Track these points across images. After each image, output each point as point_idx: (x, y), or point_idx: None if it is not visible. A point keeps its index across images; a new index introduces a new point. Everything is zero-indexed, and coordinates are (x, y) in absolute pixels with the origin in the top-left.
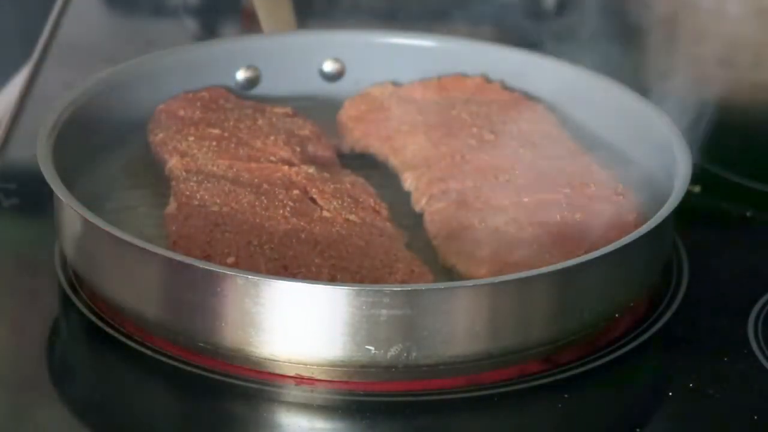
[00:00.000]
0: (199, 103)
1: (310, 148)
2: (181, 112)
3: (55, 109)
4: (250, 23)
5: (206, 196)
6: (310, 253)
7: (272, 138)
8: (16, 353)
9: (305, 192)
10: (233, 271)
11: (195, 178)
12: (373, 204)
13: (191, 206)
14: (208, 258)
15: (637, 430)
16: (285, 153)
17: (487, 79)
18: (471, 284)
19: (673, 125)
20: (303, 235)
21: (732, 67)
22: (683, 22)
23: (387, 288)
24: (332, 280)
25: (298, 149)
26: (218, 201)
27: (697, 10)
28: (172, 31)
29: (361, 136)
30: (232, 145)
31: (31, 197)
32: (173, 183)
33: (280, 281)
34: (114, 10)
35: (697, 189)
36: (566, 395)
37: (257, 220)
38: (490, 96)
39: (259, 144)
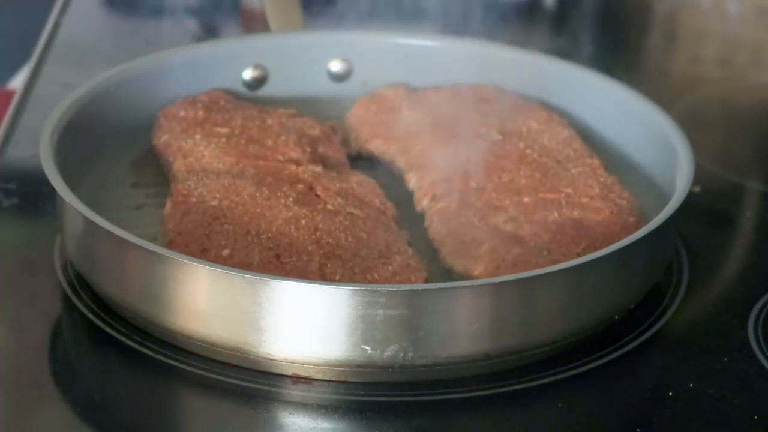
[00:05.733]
0: (200, 105)
1: (321, 149)
2: (182, 113)
3: (58, 108)
4: (249, 23)
5: (205, 192)
6: (306, 240)
7: (283, 138)
8: (17, 353)
9: (310, 189)
10: (231, 270)
11: (195, 177)
12: (378, 204)
13: (189, 203)
14: (204, 251)
15: (638, 430)
16: (295, 153)
17: (502, 89)
18: (468, 285)
19: (676, 126)
20: (303, 222)
21: (732, 67)
22: (683, 21)
23: (383, 288)
24: (321, 269)
25: (308, 149)
26: (217, 195)
27: (697, 10)
28: (172, 31)
29: (368, 137)
30: (242, 142)
31: (31, 197)
32: (173, 184)
33: (277, 280)
34: (114, 10)
35: (697, 189)
36: (566, 395)
37: (258, 210)
38: (501, 98)
39: (270, 143)
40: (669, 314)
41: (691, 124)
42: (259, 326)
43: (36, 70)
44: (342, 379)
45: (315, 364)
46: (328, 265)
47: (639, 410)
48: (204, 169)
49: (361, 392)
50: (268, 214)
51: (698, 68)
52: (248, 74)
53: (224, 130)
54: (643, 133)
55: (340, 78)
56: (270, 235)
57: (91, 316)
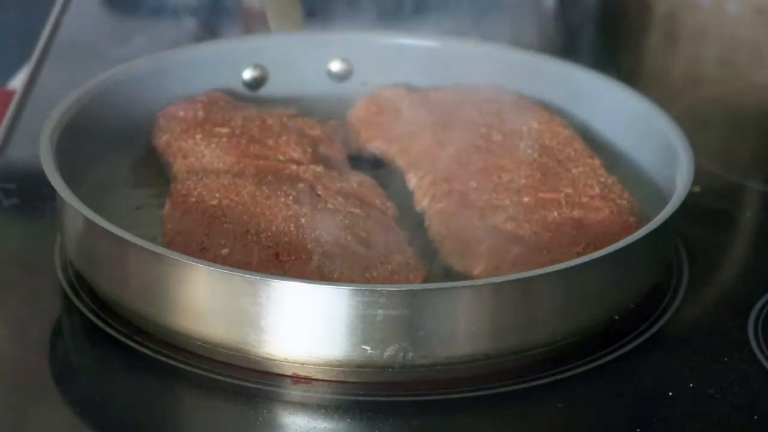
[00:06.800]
0: (200, 105)
1: (322, 149)
2: (182, 114)
3: (58, 108)
4: (250, 23)
5: (204, 192)
6: (305, 239)
7: (284, 138)
8: (17, 353)
9: (311, 188)
10: (230, 270)
11: (195, 177)
12: (379, 204)
13: (188, 203)
14: (204, 251)
15: (638, 430)
16: (296, 153)
17: (502, 89)
18: (468, 285)
19: (676, 126)
20: (303, 220)
21: (732, 67)
22: (683, 21)
23: (383, 288)
24: (320, 268)
25: (309, 149)
26: (217, 195)
27: (697, 10)
28: (172, 31)
29: (368, 137)
30: (243, 142)
31: (31, 197)
32: (172, 184)
33: (277, 280)
34: (114, 10)
35: (697, 189)
36: (566, 395)
37: (257, 209)
38: (501, 98)
39: (270, 143)
40: (669, 314)
41: (691, 124)
42: (259, 326)
43: (36, 70)
44: (342, 379)
45: (315, 364)
46: (327, 264)
47: (639, 410)
48: (204, 169)
49: (361, 392)
50: (267, 213)
51: (698, 68)
52: (248, 74)
53: (224, 130)
54: (643, 133)
55: (340, 78)
56: (269, 234)
57: (91, 316)
